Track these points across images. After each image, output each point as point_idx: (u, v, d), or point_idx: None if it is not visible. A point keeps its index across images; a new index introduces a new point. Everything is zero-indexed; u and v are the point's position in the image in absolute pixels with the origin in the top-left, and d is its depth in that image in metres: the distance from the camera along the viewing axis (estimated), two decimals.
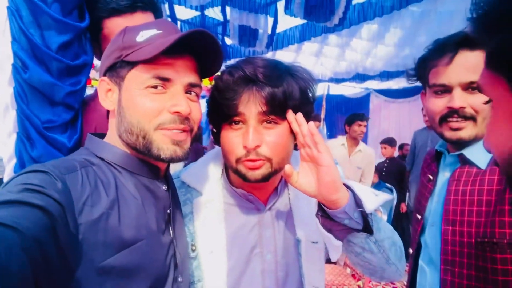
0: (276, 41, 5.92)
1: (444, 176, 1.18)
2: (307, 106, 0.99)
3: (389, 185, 4.45)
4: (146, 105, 0.80)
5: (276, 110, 0.92)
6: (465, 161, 1.11)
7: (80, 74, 1.21)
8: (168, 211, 0.91)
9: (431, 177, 1.23)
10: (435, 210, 1.16)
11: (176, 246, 0.91)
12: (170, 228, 0.91)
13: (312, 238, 1.08)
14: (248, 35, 5.40)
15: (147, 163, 0.87)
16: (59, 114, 1.16)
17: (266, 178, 0.96)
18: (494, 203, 0.99)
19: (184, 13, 5.25)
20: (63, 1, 1.12)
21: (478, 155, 1.07)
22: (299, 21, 5.46)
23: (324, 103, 9.77)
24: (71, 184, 0.69)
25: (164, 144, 0.82)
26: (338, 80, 8.38)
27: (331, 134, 9.62)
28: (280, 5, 4.91)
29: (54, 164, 0.72)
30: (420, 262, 1.20)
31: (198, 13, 5.45)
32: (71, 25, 1.14)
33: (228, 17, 5.28)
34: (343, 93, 10.38)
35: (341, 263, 3.38)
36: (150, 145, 0.82)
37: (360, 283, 3.00)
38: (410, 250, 1.27)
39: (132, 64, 0.82)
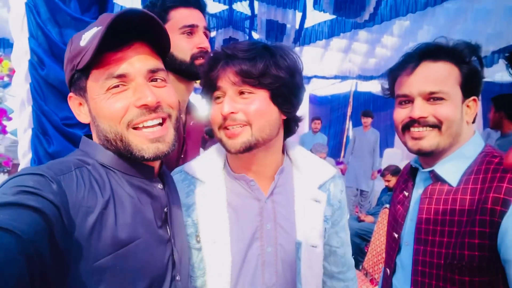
0: (303, 36, 5.81)
1: (417, 193, 1.16)
2: (286, 80, 0.98)
3: None
4: (112, 107, 0.78)
5: (247, 79, 0.95)
6: (437, 178, 1.09)
7: None
8: (165, 209, 0.91)
9: (407, 193, 1.22)
10: (410, 228, 1.14)
11: (174, 244, 0.90)
12: (168, 227, 0.90)
13: (312, 242, 1.08)
14: (275, 29, 5.31)
15: (138, 164, 0.86)
16: None
17: (247, 148, 0.97)
18: (464, 224, 0.97)
19: (212, 7, 5.25)
20: None
21: (449, 172, 1.06)
22: (328, 16, 5.34)
23: (351, 100, 9.57)
24: (66, 185, 0.69)
25: (143, 144, 0.81)
26: (366, 78, 8.16)
27: None
28: (309, 0, 4.81)
29: (48, 166, 0.72)
30: (395, 281, 1.19)
31: (226, 7, 5.43)
32: (89, 22, 1.14)
33: (256, 11, 5.23)
34: (371, 90, 10.13)
35: (360, 267, 3.31)
36: (130, 147, 0.80)
37: None
38: (388, 271, 1.23)
39: (87, 73, 0.79)
